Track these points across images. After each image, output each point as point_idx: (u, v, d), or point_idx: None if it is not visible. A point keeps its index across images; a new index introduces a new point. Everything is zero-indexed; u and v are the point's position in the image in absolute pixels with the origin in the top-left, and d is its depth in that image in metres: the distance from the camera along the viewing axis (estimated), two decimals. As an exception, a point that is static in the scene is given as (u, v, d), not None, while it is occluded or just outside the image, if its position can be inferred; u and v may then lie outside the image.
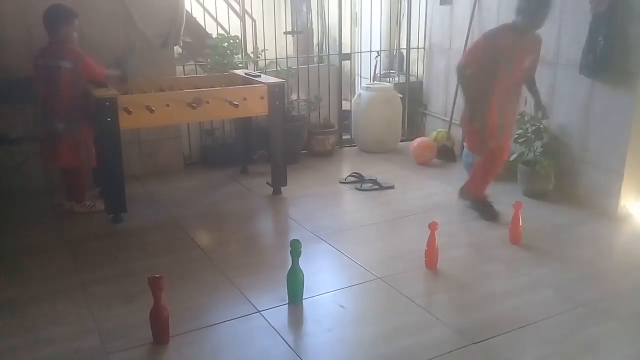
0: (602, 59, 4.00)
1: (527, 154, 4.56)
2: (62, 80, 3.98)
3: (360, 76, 7.27)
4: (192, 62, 5.51)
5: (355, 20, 7.16)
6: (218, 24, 5.69)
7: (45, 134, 4.16)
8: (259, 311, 2.99)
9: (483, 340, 2.73)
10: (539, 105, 4.11)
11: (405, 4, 6.39)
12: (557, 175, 4.50)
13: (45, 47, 4.02)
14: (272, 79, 4.62)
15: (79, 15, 4.07)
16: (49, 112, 4.07)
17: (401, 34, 6.56)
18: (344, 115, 6.26)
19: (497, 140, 4.01)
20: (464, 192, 4.38)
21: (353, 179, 5.04)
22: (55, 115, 4.04)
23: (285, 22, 6.02)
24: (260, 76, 4.71)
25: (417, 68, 6.41)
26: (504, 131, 4.02)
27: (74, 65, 3.96)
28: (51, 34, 3.99)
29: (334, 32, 6.38)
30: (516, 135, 4.57)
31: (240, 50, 5.52)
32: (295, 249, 2.99)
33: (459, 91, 4.11)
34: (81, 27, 4.21)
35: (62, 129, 4.05)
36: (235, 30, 5.74)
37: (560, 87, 4.52)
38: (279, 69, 5.65)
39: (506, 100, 3.95)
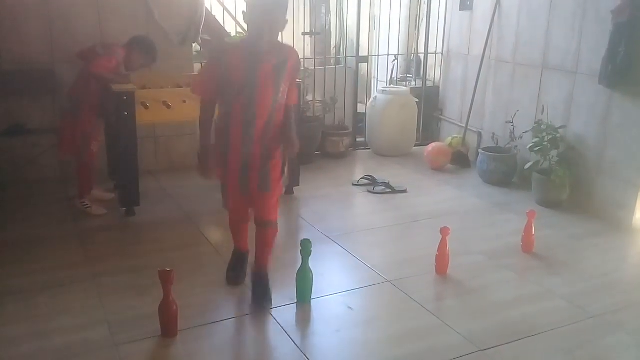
0: (622, 70, 3.96)
1: (543, 163, 4.53)
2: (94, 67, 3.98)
3: (377, 79, 7.27)
4: (209, 60, 5.54)
5: (373, 23, 7.17)
6: (237, 22, 5.72)
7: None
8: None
9: (492, 348, 2.71)
10: (287, 138, 2.89)
11: (424, 8, 6.38)
12: (572, 185, 4.46)
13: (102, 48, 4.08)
14: (289, 79, 4.62)
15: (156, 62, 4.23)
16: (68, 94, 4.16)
17: (419, 38, 6.55)
18: (359, 118, 6.27)
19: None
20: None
21: (366, 181, 5.03)
22: (68, 95, 4.14)
23: (303, 23, 6.03)
24: (277, 76, 4.71)
25: (434, 73, 6.39)
26: (248, 186, 2.90)
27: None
28: (128, 50, 4.08)
29: (352, 34, 6.38)
30: (532, 144, 4.55)
31: (258, 49, 5.54)
32: (306, 248, 2.98)
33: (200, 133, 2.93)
34: (102, 24, 4.27)
35: (67, 109, 4.12)
36: (253, 29, 5.76)
37: (578, 96, 4.48)
38: (295, 69, 5.65)
39: (256, 139, 2.81)
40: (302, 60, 5.71)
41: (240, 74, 2.70)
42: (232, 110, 2.76)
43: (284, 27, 2.76)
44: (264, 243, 3.05)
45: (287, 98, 2.86)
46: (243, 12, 2.74)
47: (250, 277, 3.18)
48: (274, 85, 2.74)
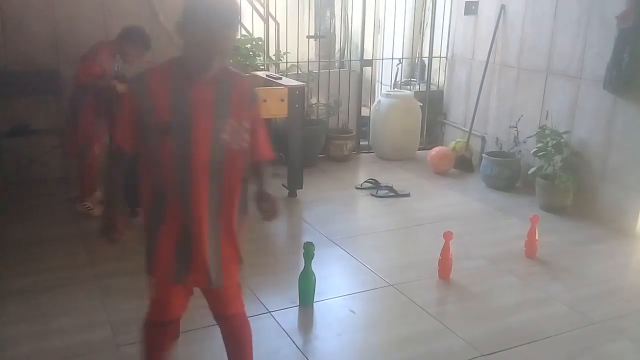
0: (626, 75, 3.96)
1: (546, 168, 4.52)
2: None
3: (381, 83, 7.27)
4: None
5: (378, 27, 7.17)
6: (242, 25, 5.73)
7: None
8: (269, 312, 3.00)
9: (494, 353, 2.70)
10: (261, 195, 2.13)
11: (429, 13, 6.38)
12: (576, 190, 4.45)
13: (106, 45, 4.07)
14: (293, 82, 4.64)
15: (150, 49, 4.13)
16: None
17: (424, 42, 6.55)
18: (363, 121, 6.26)
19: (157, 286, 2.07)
20: None
21: (369, 185, 5.03)
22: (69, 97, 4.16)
23: (308, 26, 6.04)
24: (281, 79, 4.74)
25: (439, 77, 6.39)
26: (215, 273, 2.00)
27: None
28: (118, 45, 4.04)
29: (357, 38, 6.39)
30: (535, 149, 4.54)
31: (262, 52, 5.55)
32: (309, 251, 2.99)
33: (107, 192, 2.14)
34: (107, 25, 4.27)
35: (68, 111, 4.13)
36: (258, 32, 5.77)
37: (583, 101, 4.48)
38: (300, 72, 5.67)
39: (197, 206, 1.93)
40: (305, 64, 5.73)
41: (168, 106, 1.86)
42: (161, 162, 1.90)
43: (234, 44, 1.99)
44: (241, 343, 2.23)
45: (257, 152, 2.06)
46: (177, 23, 1.86)
47: None
48: (213, 121, 1.89)
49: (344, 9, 7.05)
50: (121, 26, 4.64)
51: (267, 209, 2.11)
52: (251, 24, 5.77)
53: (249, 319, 2.90)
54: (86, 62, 3.95)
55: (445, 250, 3.38)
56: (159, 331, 2.16)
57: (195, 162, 1.89)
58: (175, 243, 1.97)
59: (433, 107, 6.28)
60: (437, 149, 5.65)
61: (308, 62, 5.82)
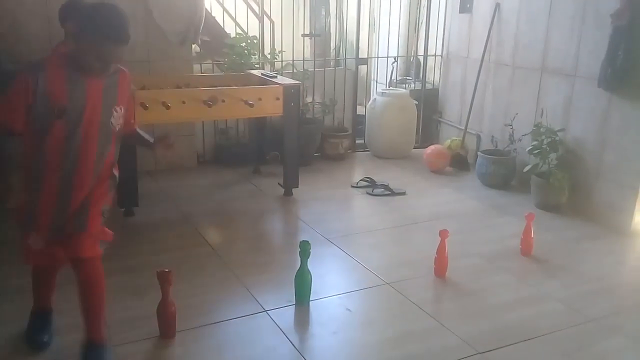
0: (621, 73, 3.97)
1: (542, 166, 4.53)
2: None
3: (376, 81, 7.28)
4: (209, 61, 5.54)
5: (373, 26, 7.17)
6: (236, 24, 5.72)
7: None
8: (265, 310, 3.00)
9: (489, 351, 2.71)
10: (151, 144, 2.80)
11: (424, 11, 6.39)
12: (571, 188, 4.46)
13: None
14: (288, 81, 4.63)
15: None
16: None
17: (419, 40, 6.56)
18: (358, 120, 6.27)
19: (37, 240, 2.47)
20: None
21: (365, 183, 5.03)
22: None
23: (303, 24, 6.04)
24: (276, 77, 4.73)
25: (434, 75, 6.40)
26: (56, 230, 2.42)
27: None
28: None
29: (352, 36, 6.38)
30: (531, 147, 4.55)
31: (257, 50, 5.55)
32: (305, 250, 2.98)
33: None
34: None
35: None
36: (253, 30, 5.77)
37: (577, 99, 4.49)
38: (295, 71, 5.66)
39: (81, 174, 2.39)
40: (300, 62, 5.73)
41: (63, 93, 2.24)
42: (48, 140, 2.29)
43: (121, 55, 2.35)
44: (90, 284, 2.50)
45: (130, 126, 2.62)
46: (74, 30, 2.29)
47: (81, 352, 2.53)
48: (103, 107, 2.35)
49: (339, 7, 7.05)
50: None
51: (161, 146, 2.77)
52: (246, 22, 5.76)
53: (244, 317, 2.93)
54: None
55: (441, 248, 3.38)
56: (43, 272, 2.68)
57: (85, 140, 2.33)
58: (53, 210, 2.40)
59: (428, 105, 6.28)
60: (432, 147, 5.66)
61: (303, 60, 5.81)
